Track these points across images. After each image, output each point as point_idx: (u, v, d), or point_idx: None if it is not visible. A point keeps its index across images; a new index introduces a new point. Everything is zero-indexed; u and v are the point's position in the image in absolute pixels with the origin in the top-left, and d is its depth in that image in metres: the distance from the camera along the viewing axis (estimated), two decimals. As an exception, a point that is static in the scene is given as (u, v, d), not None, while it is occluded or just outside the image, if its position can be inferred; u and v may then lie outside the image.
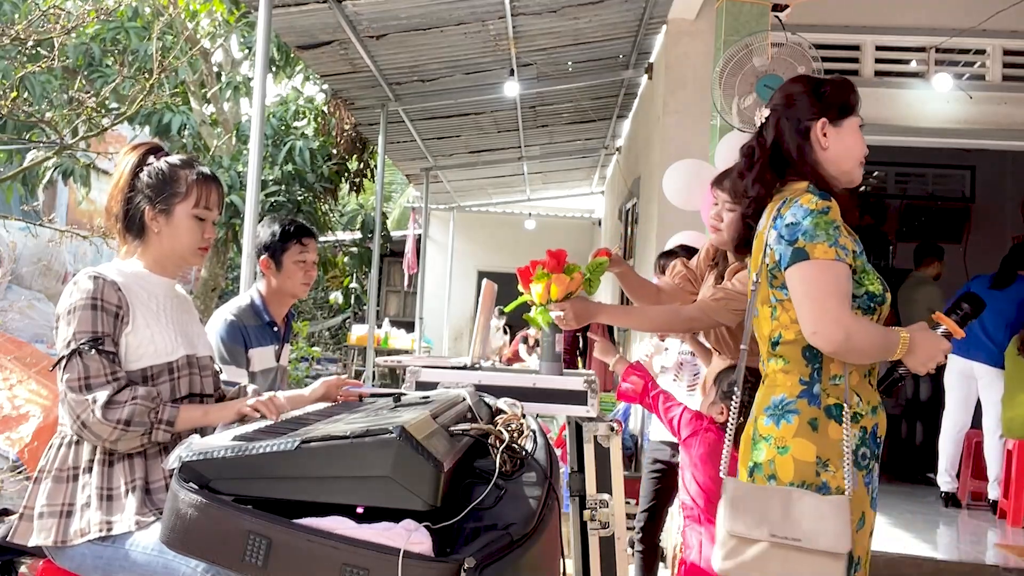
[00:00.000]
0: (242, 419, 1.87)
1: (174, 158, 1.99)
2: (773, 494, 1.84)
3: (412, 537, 1.24)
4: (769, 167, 2.00)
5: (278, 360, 2.92)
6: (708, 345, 3.07)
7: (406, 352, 10.94)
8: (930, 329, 1.90)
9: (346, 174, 11.12)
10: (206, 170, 2.01)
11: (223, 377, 2.48)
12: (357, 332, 11.58)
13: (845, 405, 1.85)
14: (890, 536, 4.41)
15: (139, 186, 1.95)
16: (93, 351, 1.77)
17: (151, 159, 1.98)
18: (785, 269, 1.86)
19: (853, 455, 1.84)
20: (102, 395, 1.75)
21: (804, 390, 1.88)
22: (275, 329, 2.90)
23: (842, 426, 1.83)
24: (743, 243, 2.11)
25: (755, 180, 2.02)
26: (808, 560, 1.77)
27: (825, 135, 1.96)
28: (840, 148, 1.96)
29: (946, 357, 1.91)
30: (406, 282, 12.52)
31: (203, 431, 1.85)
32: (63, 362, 1.78)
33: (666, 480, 3.43)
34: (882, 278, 1.95)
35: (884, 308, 1.92)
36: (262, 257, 2.90)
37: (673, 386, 3.39)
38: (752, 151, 2.06)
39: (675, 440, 3.34)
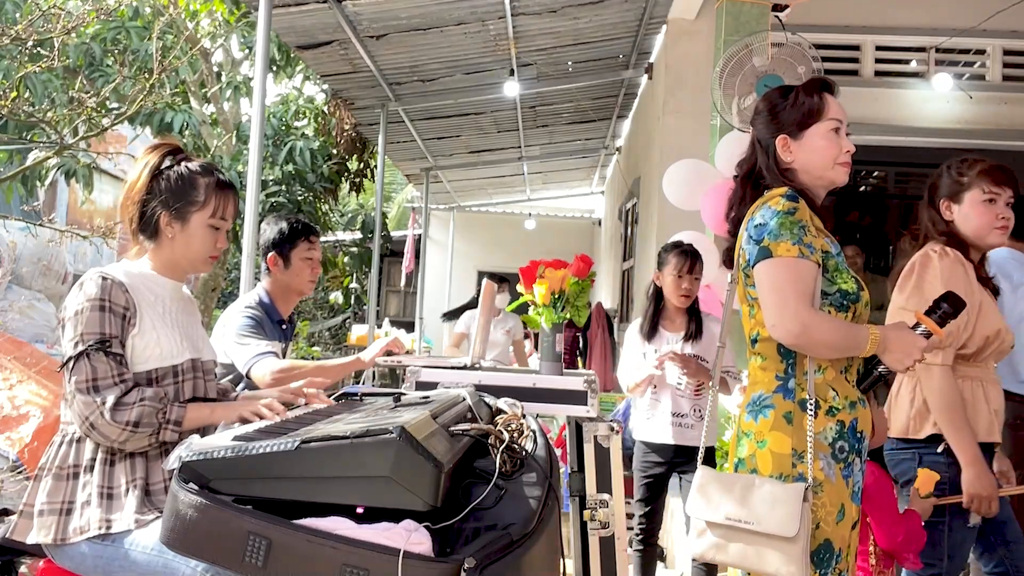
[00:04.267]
0: (244, 420, 1.87)
1: (194, 164, 1.98)
2: (736, 480, 1.93)
3: (412, 537, 1.24)
4: (747, 184, 2.08)
5: (283, 357, 2.93)
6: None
7: (406, 352, 10.93)
8: (908, 328, 1.94)
9: (346, 174, 11.12)
10: (225, 178, 2.00)
11: (261, 350, 2.56)
12: (357, 332, 11.58)
13: (808, 397, 1.90)
14: (890, 536, 4.40)
15: (157, 190, 1.94)
16: (100, 352, 1.77)
17: (170, 162, 1.97)
18: (752, 267, 1.94)
19: (830, 448, 1.90)
20: (110, 397, 1.75)
21: (780, 385, 1.95)
22: (283, 327, 2.93)
23: (814, 419, 1.89)
24: (728, 255, 2.16)
25: (736, 201, 2.10)
26: (765, 543, 1.85)
27: (788, 150, 2.02)
28: (806, 159, 2.00)
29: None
30: (404, 281, 12.51)
31: (204, 431, 1.86)
32: (71, 363, 1.78)
33: (659, 482, 3.43)
34: (857, 278, 1.99)
35: (859, 306, 1.97)
36: (270, 254, 2.92)
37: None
38: (740, 167, 2.14)
39: (665, 443, 3.35)
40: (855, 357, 1.96)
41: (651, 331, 3.45)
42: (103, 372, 1.77)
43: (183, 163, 1.97)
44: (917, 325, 1.94)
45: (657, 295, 3.47)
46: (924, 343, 1.90)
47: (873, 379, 1.98)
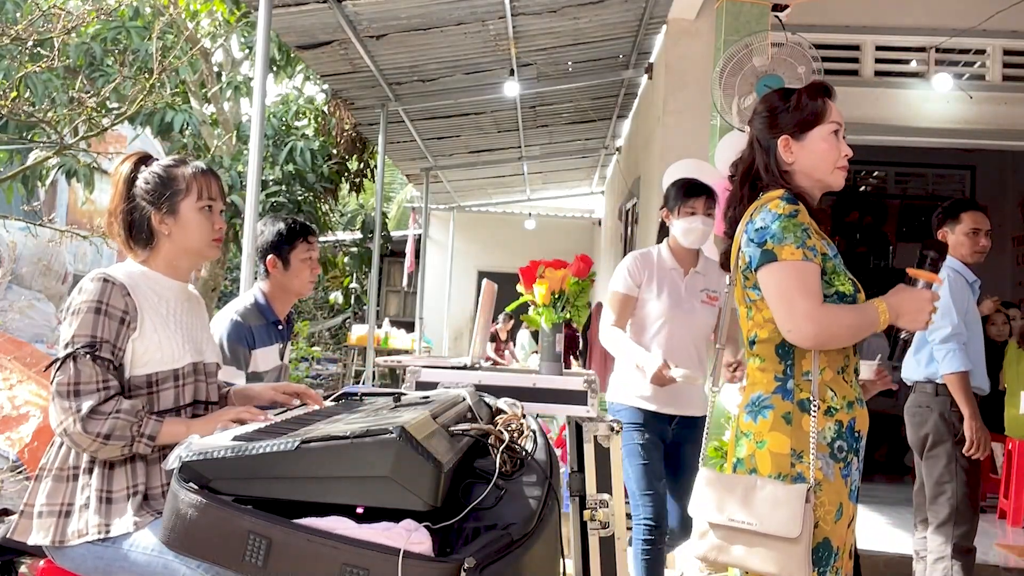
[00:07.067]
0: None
1: (165, 160, 1.99)
2: (738, 482, 1.94)
3: (412, 537, 1.24)
4: (744, 185, 2.09)
5: (282, 358, 2.93)
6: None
7: (406, 352, 10.95)
8: (907, 287, 1.95)
9: (346, 174, 11.12)
10: (201, 164, 2.01)
11: (220, 377, 2.47)
12: (357, 332, 11.58)
13: (812, 398, 1.92)
14: (891, 536, 4.42)
15: (138, 195, 1.93)
16: (88, 356, 1.75)
17: (142, 168, 1.97)
18: (755, 270, 1.95)
19: (829, 447, 1.92)
20: (86, 404, 1.72)
21: (779, 386, 1.97)
22: (280, 328, 2.92)
23: (813, 418, 1.91)
24: (725, 258, 2.16)
25: (735, 201, 2.11)
26: (767, 544, 1.86)
27: (790, 151, 2.02)
28: (807, 161, 2.01)
29: None
30: (406, 282, 12.51)
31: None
32: (56, 364, 1.77)
33: None
34: (855, 280, 2.01)
35: None
36: (269, 256, 2.91)
37: None
38: (736, 167, 2.14)
39: None
40: (852, 356, 1.99)
41: None
42: (87, 377, 1.74)
43: (154, 163, 1.98)
44: (915, 281, 1.96)
45: None
46: (930, 294, 1.92)
47: (901, 347, 2.02)
